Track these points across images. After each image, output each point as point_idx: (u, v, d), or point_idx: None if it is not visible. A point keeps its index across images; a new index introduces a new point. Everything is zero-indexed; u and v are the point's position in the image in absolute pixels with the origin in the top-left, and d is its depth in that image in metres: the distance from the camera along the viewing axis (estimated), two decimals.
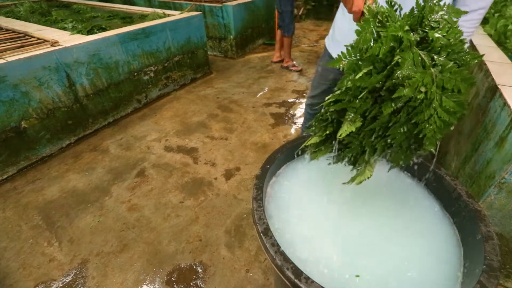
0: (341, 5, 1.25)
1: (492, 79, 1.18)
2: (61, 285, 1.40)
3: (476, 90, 1.40)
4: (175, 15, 3.26)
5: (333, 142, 0.77)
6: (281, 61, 4.06)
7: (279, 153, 0.97)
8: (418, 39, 0.59)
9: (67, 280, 1.42)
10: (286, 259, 0.62)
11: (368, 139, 0.67)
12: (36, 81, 2.05)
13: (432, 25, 0.59)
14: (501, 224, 1.06)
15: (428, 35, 0.58)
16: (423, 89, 0.56)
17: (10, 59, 1.91)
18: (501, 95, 1.07)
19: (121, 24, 3.12)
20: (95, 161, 2.23)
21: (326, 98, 0.71)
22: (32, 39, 2.35)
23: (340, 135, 0.67)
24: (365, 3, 0.68)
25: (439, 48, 0.58)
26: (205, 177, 2.04)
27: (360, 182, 0.72)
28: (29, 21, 3.10)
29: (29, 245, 1.59)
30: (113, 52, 2.52)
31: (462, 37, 0.59)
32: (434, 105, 0.56)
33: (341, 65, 0.67)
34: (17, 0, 4.33)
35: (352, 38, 0.67)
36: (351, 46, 0.65)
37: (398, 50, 0.58)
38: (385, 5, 0.65)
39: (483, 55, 0.64)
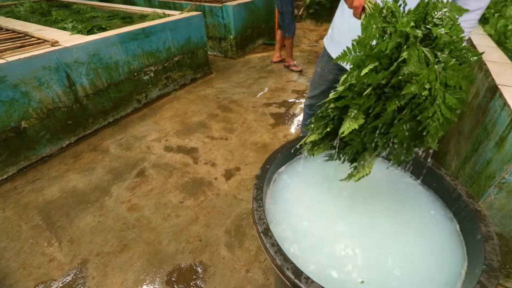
0: (340, 4, 1.25)
1: (492, 79, 1.18)
2: (61, 285, 1.40)
3: (476, 90, 1.40)
4: (175, 15, 3.26)
5: (332, 140, 0.76)
6: (281, 61, 4.07)
7: (279, 153, 0.97)
8: (422, 35, 0.59)
9: (67, 280, 1.42)
10: (286, 259, 0.62)
11: (370, 136, 0.66)
12: (36, 81, 2.05)
13: (436, 22, 0.59)
14: (501, 224, 1.06)
15: (432, 31, 0.58)
16: (427, 86, 0.56)
17: (10, 59, 1.91)
18: (501, 95, 1.07)
19: (121, 24, 3.12)
20: (95, 161, 2.23)
21: (330, 95, 0.71)
22: (32, 39, 2.35)
23: (343, 132, 0.66)
24: None
25: (443, 45, 0.57)
26: (205, 177, 2.04)
27: (359, 178, 0.72)
28: (29, 21, 3.10)
29: (29, 245, 1.59)
30: (113, 52, 2.52)
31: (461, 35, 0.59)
32: (437, 102, 0.57)
33: (345, 61, 0.66)
34: (17, 0, 4.33)
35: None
36: (356, 41, 0.64)
37: (405, 47, 0.57)
38: (389, 0, 0.64)
39: (483, 52, 0.64)
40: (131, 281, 1.41)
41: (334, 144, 0.76)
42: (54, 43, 2.20)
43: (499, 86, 1.11)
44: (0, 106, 1.91)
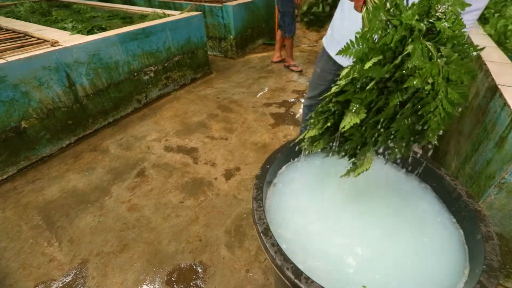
0: (340, 4, 1.25)
1: (492, 79, 1.18)
2: (61, 285, 1.40)
3: (476, 90, 1.40)
4: (175, 15, 3.26)
5: (332, 136, 0.76)
6: (281, 61, 4.07)
7: (279, 153, 0.97)
8: (425, 29, 0.58)
9: (67, 280, 1.42)
10: (286, 259, 0.62)
11: (371, 131, 0.66)
12: (36, 81, 2.05)
13: (439, 15, 0.59)
14: (501, 224, 1.06)
15: (435, 25, 0.57)
16: (430, 80, 0.55)
17: (10, 59, 1.91)
18: (501, 95, 1.07)
19: (121, 24, 3.12)
20: (95, 161, 2.23)
21: (332, 89, 0.69)
22: (32, 39, 2.35)
23: (344, 127, 0.65)
24: None
25: (446, 40, 0.57)
26: (205, 177, 2.04)
27: (359, 173, 0.72)
28: (29, 21, 3.10)
29: (29, 245, 1.59)
30: (113, 52, 2.52)
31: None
32: (440, 97, 0.56)
33: (348, 55, 0.65)
34: (17, 0, 4.33)
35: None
36: (359, 34, 0.63)
37: (409, 40, 0.57)
38: None
39: (484, 48, 0.64)
40: (131, 281, 1.41)
41: (334, 139, 0.75)
42: (54, 43, 2.20)
43: (499, 86, 1.11)
44: (0, 106, 1.91)
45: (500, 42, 1.72)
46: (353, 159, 0.76)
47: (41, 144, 2.19)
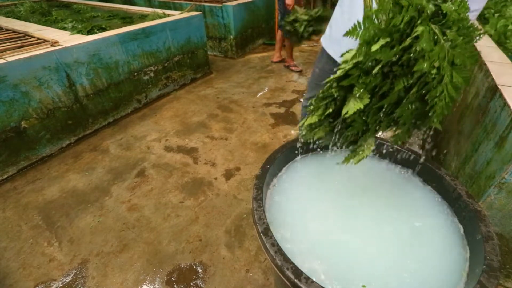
0: (339, 2, 1.24)
1: (492, 79, 1.18)
2: (61, 285, 1.40)
3: (476, 90, 1.40)
4: (175, 15, 3.26)
5: (332, 123, 0.74)
6: (281, 61, 4.06)
7: (279, 153, 0.97)
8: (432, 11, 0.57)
9: (67, 280, 1.42)
10: (286, 259, 0.62)
11: (373, 117, 0.64)
12: (36, 81, 2.05)
13: None
14: (501, 224, 1.06)
15: (441, 7, 0.56)
16: (436, 64, 0.54)
17: (10, 59, 1.91)
18: (501, 95, 1.07)
19: (121, 24, 3.12)
20: (95, 161, 2.23)
21: (338, 71, 0.67)
22: (32, 39, 2.35)
23: (347, 113, 0.64)
24: None
25: (451, 23, 0.56)
26: (205, 177, 2.04)
27: (359, 161, 0.71)
28: (29, 21, 3.10)
29: (29, 245, 1.59)
30: (113, 52, 2.52)
31: None
32: (445, 81, 0.55)
33: (355, 36, 0.63)
34: (17, 0, 4.33)
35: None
36: (366, 15, 0.61)
37: (418, 21, 0.55)
38: None
39: (485, 32, 0.64)
40: (131, 281, 1.41)
41: (335, 126, 0.73)
42: (54, 43, 2.20)
43: (499, 86, 1.11)
44: (0, 106, 1.90)
45: (500, 42, 1.72)
46: (353, 147, 0.74)
47: (41, 144, 2.19)
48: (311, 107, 0.75)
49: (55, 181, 2.03)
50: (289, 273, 0.60)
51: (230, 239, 1.60)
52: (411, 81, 0.58)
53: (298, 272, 0.60)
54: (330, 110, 0.71)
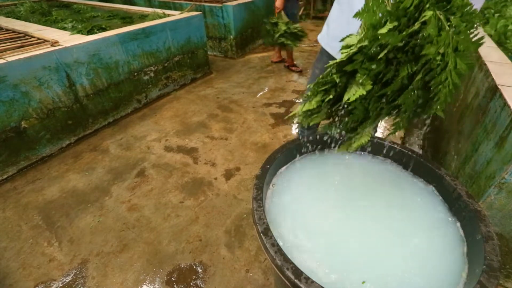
0: (337, 0, 1.24)
1: (492, 79, 1.18)
2: (61, 285, 1.40)
3: (476, 90, 1.40)
4: (175, 15, 3.26)
5: (330, 109, 0.73)
6: (281, 61, 4.07)
7: (279, 153, 0.97)
8: None
9: (67, 280, 1.42)
10: (286, 259, 0.62)
11: (375, 104, 0.63)
12: (36, 81, 2.05)
13: None
14: (501, 224, 1.06)
15: None
16: (441, 50, 0.54)
17: (10, 59, 1.91)
18: (501, 95, 1.07)
19: (121, 24, 3.12)
20: (95, 161, 2.23)
21: (343, 55, 0.65)
22: (32, 39, 2.36)
23: (349, 99, 0.62)
24: None
25: (456, 8, 0.55)
26: (205, 177, 2.04)
27: (358, 147, 0.70)
28: (29, 21, 3.10)
29: (29, 245, 1.59)
30: (113, 52, 2.52)
31: None
32: (450, 68, 0.55)
33: (361, 18, 0.61)
34: (17, 0, 4.33)
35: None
36: None
37: (427, 5, 0.55)
38: None
39: (485, 21, 0.63)
40: (131, 281, 1.41)
41: (336, 112, 0.71)
42: (54, 43, 2.20)
43: (499, 86, 1.11)
44: (0, 106, 1.91)
45: (500, 42, 1.72)
46: (351, 134, 0.74)
47: (41, 144, 2.19)
48: (309, 92, 0.74)
49: (55, 181, 2.03)
50: (289, 273, 0.60)
51: (230, 239, 1.60)
52: (415, 68, 0.57)
53: (298, 272, 0.60)
54: (331, 96, 0.69)
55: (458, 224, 0.81)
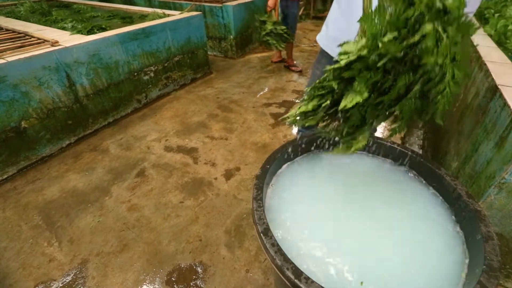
0: (336, 0, 1.23)
1: (492, 79, 1.18)
2: (61, 285, 1.40)
3: (476, 90, 1.40)
4: (175, 15, 3.26)
5: (326, 113, 0.73)
6: (281, 61, 4.07)
7: (279, 153, 0.97)
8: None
9: (67, 280, 1.42)
10: (286, 259, 0.62)
11: (372, 111, 0.64)
12: (36, 81, 2.05)
13: None
14: (501, 224, 1.06)
15: (445, 5, 0.56)
16: (440, 61, 0.54)
17: (10, 59, 1.91)
18: (501, 95, 1.07)
19: (121, 24, 3.12)
20: (95, 161, 2.23)
21: (342, 61, 0.66)
22: (32, 39, 2.36)
23: (345, 106, 0.63)
24: None
25: (453, 20, 0.56)
26: (205, 177, 2.04)
27: (356, 149, 0.71)
28: (29, 21, 3.10)
29: (29, 245, 1.59)
30: (113, 52, 2.52)
31: None
32: (447, 78, 0.56)
33: (364, 24, 0.62)
34: (17, 0, 4.33)
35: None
36: (379, 4, 0.60)
37: (427, 17, 0.55)
38: None
39: (479, 27, 0.64)
40: (131, 281, 1.41)
41: (328, 116, 0.72)
42: (54, 43, 2.20)
43: (499, 86, 1.11)
44: (0, 106, 1.91)
45: (500, 42, 1.72)
46: (347, 138, 0.74)
47: (41, 144, 2.19)
48: (306, 96, 0.74)
49: (55, 181, 2.03)
50: (289, 273, 0.60)
51: (230, 239, 1.60)
52: (413, 78, 0.58)
53: (298, 272, 0.60)
54: (328, 102, 0.69)
55: (458, 224, 0.81)
